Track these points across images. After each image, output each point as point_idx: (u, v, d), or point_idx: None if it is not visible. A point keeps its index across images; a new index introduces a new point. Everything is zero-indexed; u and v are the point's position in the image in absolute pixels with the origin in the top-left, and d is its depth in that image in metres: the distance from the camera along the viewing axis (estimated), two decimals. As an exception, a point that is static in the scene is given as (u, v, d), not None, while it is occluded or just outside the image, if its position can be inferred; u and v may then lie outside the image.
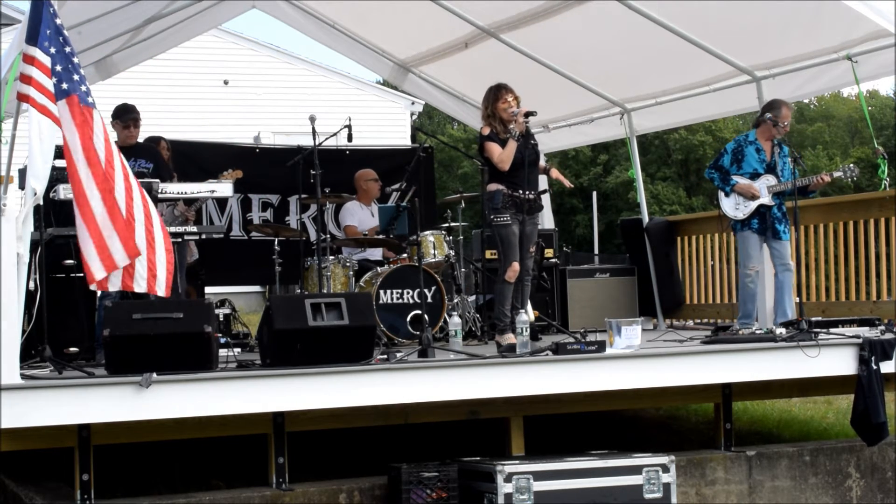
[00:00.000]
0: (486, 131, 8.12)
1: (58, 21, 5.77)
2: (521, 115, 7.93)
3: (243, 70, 22.03)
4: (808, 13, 8.82)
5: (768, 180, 8.75)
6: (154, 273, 5.87)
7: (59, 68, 5.73)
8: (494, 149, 8.02)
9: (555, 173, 8.57)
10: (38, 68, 5.75)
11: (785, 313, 8.71)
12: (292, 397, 6.26)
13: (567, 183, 8.67)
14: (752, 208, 8.73)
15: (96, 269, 5.72)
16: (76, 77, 5.75)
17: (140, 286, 5.87)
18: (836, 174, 8.72)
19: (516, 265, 8.00)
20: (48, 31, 5.74)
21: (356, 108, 19.38)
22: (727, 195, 8.82)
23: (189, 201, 8.80)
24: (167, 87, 20.27)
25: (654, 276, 11.22)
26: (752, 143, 8.86)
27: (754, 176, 8.78)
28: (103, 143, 5.76)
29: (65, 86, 5.72)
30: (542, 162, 8.67)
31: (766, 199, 8.73)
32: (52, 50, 5.73)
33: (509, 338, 7.69)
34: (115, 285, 5.88)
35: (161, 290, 5.95)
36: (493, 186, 8.10)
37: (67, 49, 5.75)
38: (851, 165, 8.87)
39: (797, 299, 8.60)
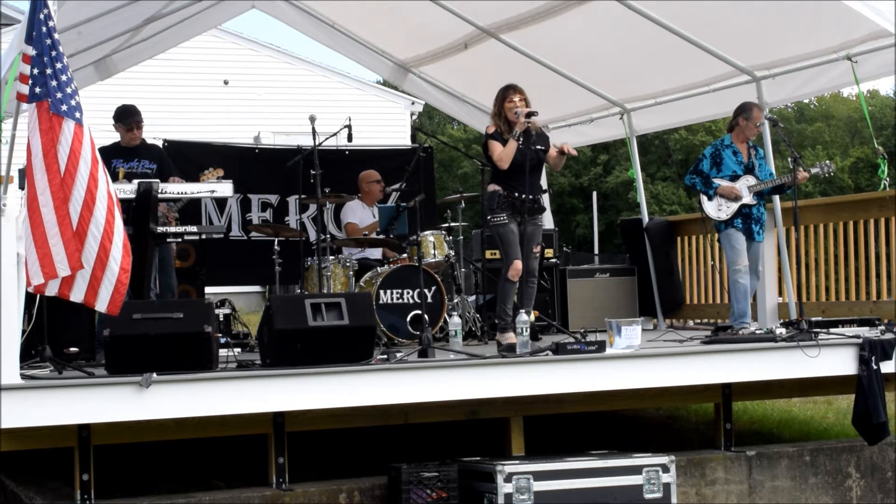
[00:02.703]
0: (491, 130, 8.14)
1: (51, 23, 5.74)
2: (521, 116, 7.93)
3: (243, 70, 22.02)
4: (808, 13, 8.82)
5: (748, 180, 8.93)
6: (96, 290, 5.71)
7: (35, 71, 5.69)
8: (496, 147, 8.03)
9: (566, 147, 8.13)
10: None
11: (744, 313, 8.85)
12: (292, 397, 6.26)
13: (572, 151, 8.13)
14: (735, 209, 8.89)
15: (34, 275, 5.66)
16: (53, 83, 5.67)
17: (77, 297, 5.75)
18: (814, 170, 8.84)
19: (518, 263, 7.99)
20: (34, 33, 5.73)
21: (356, 108, 19.37)
22: (710, 198, 8.96)
23: (172, 202, 8.79)
24: (167, 87, 20.26)
25: (654, 276, 11.22)
26: (729, 146, 9.03)
27: (734, 178, 8.94)
28: (67, 152, 5.66)
29: (38, 90, 5.67)
30: (553, 150, 8.28)
31: (748, 199, 8.88)
32: (33, 52, 5.72)
33: (510, 337, 7.68)
34: (51, 291, 5.75)
35: (101, 307, 5.78)
36: (491, 187, 8.12)
37: (54, 53, 5.71)
38: (828, 161, 9.04)
39: (797, 299, 8.60)
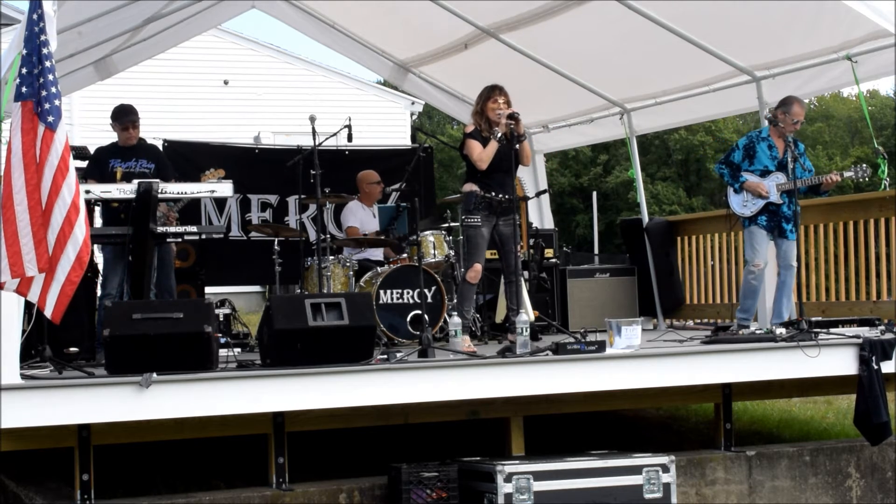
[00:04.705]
0: (470, 129, 8.14)
1: (42, 24, 5.74)
2: (504, 117, 7.89)
3: (243, 70, 21.99)
4: (808, 13, 8.82)
5: (778, 178, 8.64)
6: (45, 294, 5.73)
7: (24, 71, 5.70)
8: (475, 147, 8.01)
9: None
10: None
11: (780, 314, 8.70)
12: (292, 397, 6.26)
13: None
14: (760, 206, 8.64)
15: (1, 272, 5.69)
16: (40, 81, 5.69)
17: (32, 297, 5.77)
18: (847, 174, 8.64)
19: (479, 267, 8.01)
20: (26, 33, 5.73)
21: (356, 108, 19.34)
22: (736, 192, 8.75)
23: (173, 202, 8.79)
24: (167, 87, 20.24)
25: (654, 276, 11.22)
26: (765, 139, 8.74)
27: (765, 173, 8.67)
28: (38, 155, 5.68)
29: (24, 89, 5.69)
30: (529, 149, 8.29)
31: (774, 198, 8.63)
32: (24, 51, 5.73)
33: (466, 340, 7.67)
34: (9, 288, 5.77)
35: (48, 312, 5.79)
36: (467, 187, 8.09)
37: (44, 51, 5.72)
38: (864, 165, 8.74)
39: (797, 300, 8.58)
